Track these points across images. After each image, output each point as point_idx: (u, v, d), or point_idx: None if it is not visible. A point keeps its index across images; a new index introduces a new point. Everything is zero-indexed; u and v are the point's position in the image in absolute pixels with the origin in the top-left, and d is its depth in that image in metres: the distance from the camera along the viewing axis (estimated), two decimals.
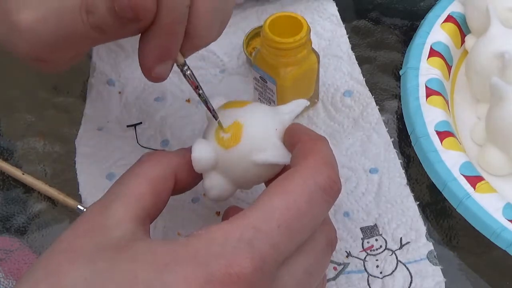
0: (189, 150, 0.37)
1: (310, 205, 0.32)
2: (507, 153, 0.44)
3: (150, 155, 0.37)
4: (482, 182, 0.42)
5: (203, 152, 0.36)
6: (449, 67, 0.50)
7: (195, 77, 0.38)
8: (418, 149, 0.45)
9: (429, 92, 0.47)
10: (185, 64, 0.38)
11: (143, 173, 0.35)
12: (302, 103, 0.39)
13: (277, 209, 0.31)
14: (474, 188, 0.42)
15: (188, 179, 0.37)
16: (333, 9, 0.56)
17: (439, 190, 0.43)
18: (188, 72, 0.38)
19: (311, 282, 0.33)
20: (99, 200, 0.34)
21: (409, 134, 0.46)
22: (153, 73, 0.36)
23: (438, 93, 0.47)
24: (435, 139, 0.45)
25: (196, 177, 0.38)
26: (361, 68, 0.52)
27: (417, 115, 0.46)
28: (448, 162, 0.43)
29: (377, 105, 0.50)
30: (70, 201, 0.45)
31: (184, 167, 0.37)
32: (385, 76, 0.53)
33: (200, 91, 0.38)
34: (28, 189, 0.47)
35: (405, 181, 0.45)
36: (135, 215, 0.33)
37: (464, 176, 0.43)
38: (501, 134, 0.44)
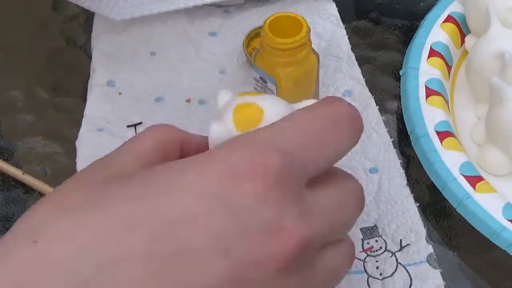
0: (197, 135, 0.35)
1: (335, 124, 0.30)
2: (507, 153, 0.44)
3: (155, 126, 0.34)
4: (482, 182, 0.42)
5: (220, 132, 0.34)
6: (449, 67, 0.50)
7: None
8: (418, 149, 0.45)
9: (429, 92, 0.47)
10: None
11: (149, 134, 0.32)
12: (312, 103, 0.39)
13: (301, 119, 0.29)
14: (474, 188, 0.42)
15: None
16: (333, 9, 0.56)
17: (439, 190, 0.43)
18: None
19: (343, 216, 0.31)
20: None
21: (409, 134, 0.46)
22: None
23: (438, 93, 0.47)
24: (435, 139, 0.45)
25: None
26: (361, 68, 0.52)
27: (417, 115, 0.46)
28: (448, 162, 0.43)
29: (377, 105, 0.50)
30: None
31: (190, 143, 0.34)
32: (385, 76, 0.53)
33: None
34: (28, 189, 0.47)
35: (405, 181, 0.45)
36: (142, 161, 0.30)
37: (464, 176, 0.43)
38: (501, 134, 0.44)
